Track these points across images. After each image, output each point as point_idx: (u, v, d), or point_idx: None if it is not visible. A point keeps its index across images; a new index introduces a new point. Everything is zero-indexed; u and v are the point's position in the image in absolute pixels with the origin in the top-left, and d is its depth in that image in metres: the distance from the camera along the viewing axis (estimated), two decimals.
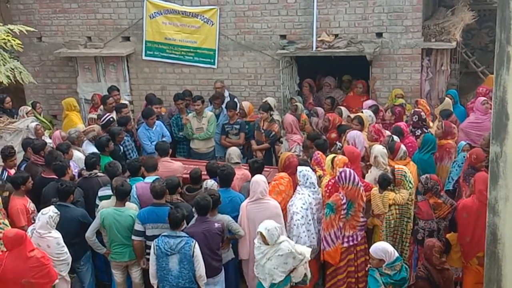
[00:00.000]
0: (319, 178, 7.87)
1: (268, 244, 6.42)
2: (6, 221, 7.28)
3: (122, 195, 7.31)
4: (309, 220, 7.37)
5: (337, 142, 9.18)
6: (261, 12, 11.47)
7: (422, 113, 9.46)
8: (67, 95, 11.94)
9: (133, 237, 7.19)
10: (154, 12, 11.84)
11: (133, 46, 12.16)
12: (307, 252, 6.58)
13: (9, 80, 7.27)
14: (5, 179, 8.22)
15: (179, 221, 6.70)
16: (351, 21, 11.16)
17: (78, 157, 8.89)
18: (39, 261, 6.53)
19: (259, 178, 7.35)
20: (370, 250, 6.36)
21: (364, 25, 11.14)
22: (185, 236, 6.66)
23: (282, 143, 10.16)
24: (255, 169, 7.87)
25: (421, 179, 7.47)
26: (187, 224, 6.96)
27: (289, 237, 7.01)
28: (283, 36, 11.52)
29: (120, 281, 7.54)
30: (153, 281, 6.82)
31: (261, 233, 6.40)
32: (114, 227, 7.22)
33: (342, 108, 10.28)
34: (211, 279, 6.93)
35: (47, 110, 12.52)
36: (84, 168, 8.40)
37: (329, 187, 7.60)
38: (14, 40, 6.97)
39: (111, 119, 9.95)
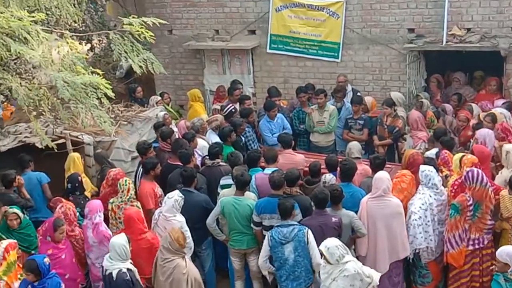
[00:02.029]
0: (446, 177, 7.54)
1: (330, 263, 6.09)
2: (139, 204, 7.66)
3: (241, 185, 7.43)
4: (428, 222, 7.08)
5: (471, 140, 8.75)
6: (389, 4, 11.18)
7: None
8: (194, 86, 12.34)
9: (253, 226, 7.31)
10: (280, 6, 11.91)
11: (258, 39, 12.32)
12: (375, 275, 6.18)
13: (142, 71, 7.57)
14: (140, 174, 8.58)
15: (289, 210, 6.72)
16: (485, 15, 10.58)
17: (202, 145, 9.17)
18: (149, 243, 6.93)
19: (383, 175, 7.17)
20: (496, 252, 6.03)
21: (499, 18, 10.51)
22: (297, 224, 6.68)
23: (405, 139, 9.85)
24: (376, 165, 7.68)
25: None
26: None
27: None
28: (411, 30, 11.16)
29: (238, 268, 7.67)
30: (264, 272, 6.92)
31: (321, 251, 6.14)
32: (233, 215, 7.36)
33: (473, 105, 9.78)
34: None
35: (175, 100, 13.00)
36: (207, 156, 8.66)
37: (455, 187, 7.26)
38: (147, 32, 7.24)
39: (233, 109, 10.17)
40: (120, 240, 6.41)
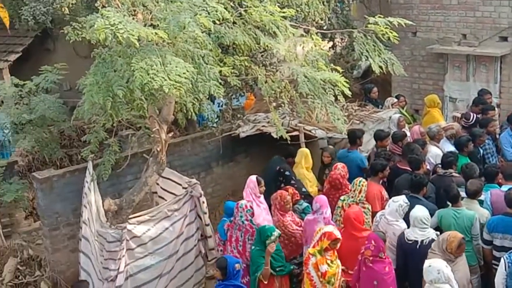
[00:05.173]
0: None
1: None
2: (369, 206, 7.64)
3: (452, 199, 7.16)
4: None
5: None
6: None
7: None
8: (432, 92, 11.91)
9: (482, 244, 6.90)
10: None
11: (510, 46, 11.43)
12: None
13: (380, 71, 7.50)
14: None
15: None
16: None
17: (436, 153, 8.84)
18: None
19: None
20: None
21: None
22: None
23: None
24: None
25: None
26: None
27: None
28: None
29: None
30: None
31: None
32: (452, 228, 6.98)
33: None
34: None
35: (410, 104, 12.68)
36: (440, 165, 8.30)
37: None
38: (391, 33, 7.15)
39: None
40: (423, 212, 6.73)
